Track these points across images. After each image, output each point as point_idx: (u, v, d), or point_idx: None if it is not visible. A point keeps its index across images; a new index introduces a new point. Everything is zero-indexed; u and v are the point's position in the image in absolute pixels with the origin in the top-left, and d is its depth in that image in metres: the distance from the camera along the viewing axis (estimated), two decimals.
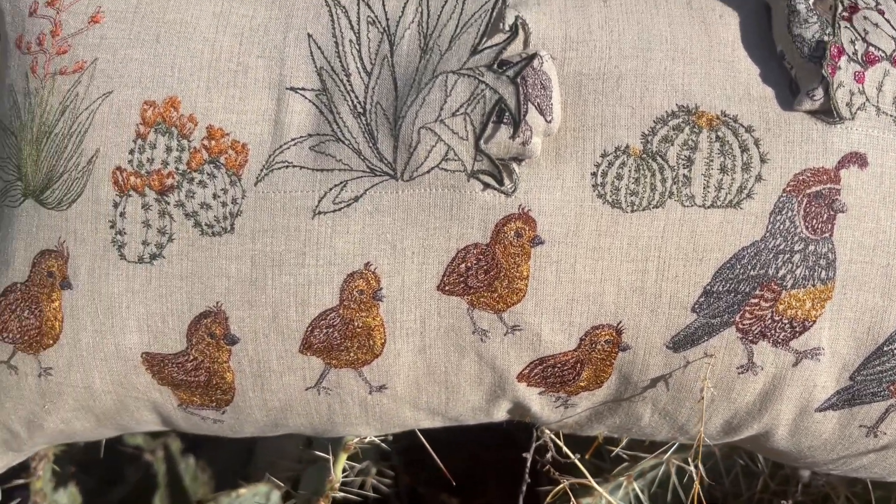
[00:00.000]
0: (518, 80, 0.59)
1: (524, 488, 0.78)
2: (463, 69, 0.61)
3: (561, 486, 0.78)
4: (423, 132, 0.61)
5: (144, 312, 0.64)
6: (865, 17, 0.64)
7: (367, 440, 0.80)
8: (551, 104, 0.60)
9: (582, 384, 0.65)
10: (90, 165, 0.64)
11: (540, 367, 0.64)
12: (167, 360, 0.65)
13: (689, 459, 0.87)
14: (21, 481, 1.06)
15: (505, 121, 0.60)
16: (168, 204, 0.63)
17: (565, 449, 0.79)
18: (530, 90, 0.60)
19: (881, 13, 0.65)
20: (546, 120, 0.60)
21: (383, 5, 0.65)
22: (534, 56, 0.60)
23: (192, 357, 0.64)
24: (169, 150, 0.64)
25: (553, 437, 0.80)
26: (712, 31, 0.64)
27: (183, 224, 0.63)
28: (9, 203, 0.67)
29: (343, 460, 0.76)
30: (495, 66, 0.60)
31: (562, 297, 0.62)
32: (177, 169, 0.63)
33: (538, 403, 0.67)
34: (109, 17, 0.66)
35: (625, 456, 0.89)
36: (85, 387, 0.66)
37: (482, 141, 0.60)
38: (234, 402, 0.66)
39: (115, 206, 0.64)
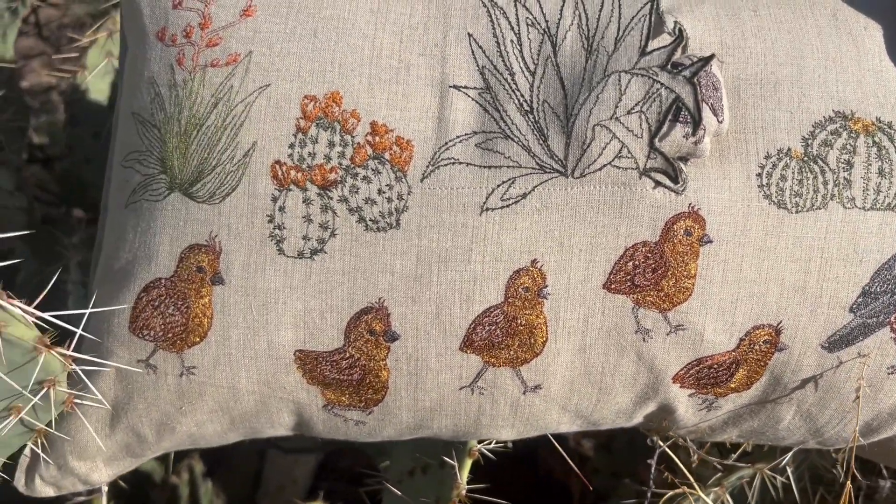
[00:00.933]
0: (695, 79, 0.60)
1: (649, 495, 0.78)
2: (635, 69, 0.62)
3: (679, 490, 0.78)
4: (597, 129, 0.61)
5: (302, 308, 0.62)
6: None
7: (479, 447, 0.79)
8: (722, 105, 0.61)
9: (732, 385, 0.66)
10: (246, 158, 0.63)
11: (696, 368, 0.65)
12: (321, 358, 0.63)
13: (787, 470, 0.88)
14: (83, 499, 1.02)
15: (681, 119, 0.61)
16: (331, 199, 0.62)
17: (674, 457, 0.80)
18: (704, 91, 0.61)
19: None
20: (718, 120, 0.61)
21: (540, 8, 0.65)
22: (710, 58, 0.61)
23: (348, 354, 0.63)
24: (331, 144, 0.63)
25: (664, 444, 0.81)
26: (859, 42, 0.66)
27: (346, 219, 0.62)
28: (149, 197, 0.65)
29: (468, 466, 0.75)
30: (668, 67, 0.61)
31: (727, 297, 0.63)
32: (340, 164, 0.63)
33: (685, 406, 0.68)
34: (262, 11, 0.65)
35: (718, 466, 0.90)
36: (229, 386, 0.64)
37: (657, 139, 0.61)
38: (384, 402, 0.65)
39: (274, 200, 0.62)
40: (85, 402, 0.64)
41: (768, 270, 0.63)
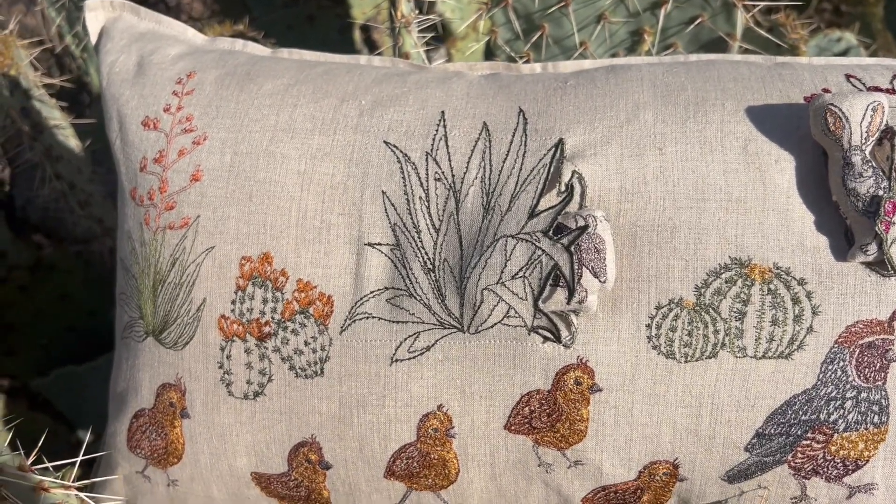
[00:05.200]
0: (572, 247, 0.64)
1: None
2: (521, 233, 0.66)
3: None
4: (486, 293, 0.66)
5: (251, 440, 0.73)
6: None
7: None
8: (605, 266, 0.64)
9: None
10: (199, 313, 0.73)
11: (602, 493, 0.70)
12: (273, 479, 0.74)
13: None
14: None
15: (561, 284, 0.64)
16: (267, 349, 0.72)
17: None
18: (584, 255, 0.64)
19: None
20: (600, 281, 0.64)
21: (449, 161, 0.70)
22: (585, 228, 0.64)
23: (293, 478, 0.73)
24: (265, 301, 0.72)
25: None
26: (767, 178, 0.66)
27: (280, 367, 0.71)
28: (133, 337, 0.77)
29: None
30: (551, 233, 0.65)
31: (620, 438, 0.67)
32: (272, 318, 0.71)
33: None
34: (208, 176, 0.74)
35: None
36: (206, 496, 0.77)
37: (540, 301, 0.65)
38: None
39: (222, 349, 0.73)
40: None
41: (659, 415, 0.66)
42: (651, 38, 0.99)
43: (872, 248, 0.62)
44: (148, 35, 0.83)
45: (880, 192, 0.62)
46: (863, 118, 0.63)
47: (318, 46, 0.99)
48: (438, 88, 0.75)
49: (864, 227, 0.63)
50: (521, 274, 0.65)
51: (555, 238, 0.64)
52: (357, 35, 1.56)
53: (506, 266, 0.66)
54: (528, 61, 1.07)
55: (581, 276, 0.64)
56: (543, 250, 0.65)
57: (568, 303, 0.64)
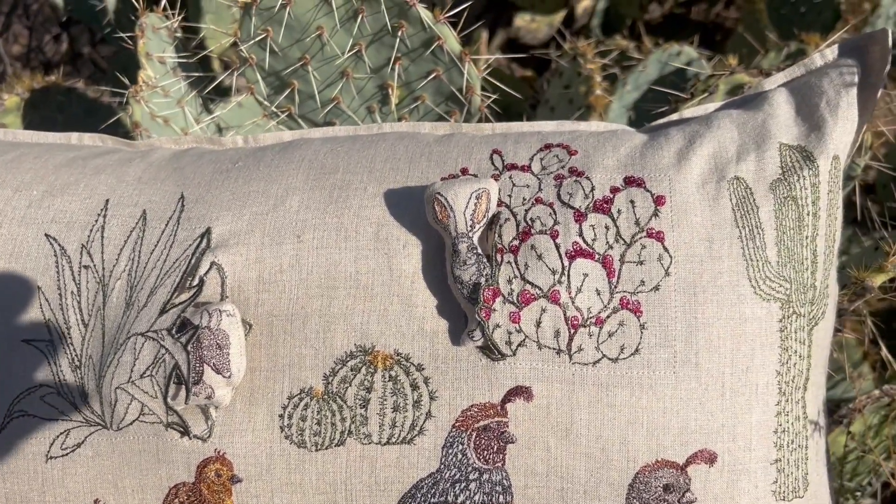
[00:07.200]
0: (191, 346, 0.64)
1: None
2: (149, 331, 0.67)
3: None
4: (119, 392, 0.67)
5: None
6: (533, 247, 0.65)
7: None
8: (228, 362, 0.65)
9: None
10: None
11: None
12: None
13: None
14: None
15: (183, 382, 0.65)
16: None
17: None
18: (206, 352, 0.65)
19: (554, 236, 0.65)
20: (224, 376, 0.65)
21: (102, 254, 0.70)
22: (198, 326, 0.64)
23: None
24: None
25: None
26: (394, 264, 0.67)
27: None
28: None
29: None
30: (174, 331, 0.66)
31: None
32: None
33: None
34: None
35: None
36: None
37: (168, 399, 0.66)
38: None
39: None
40: None
41: (299, 503, 0.67)
42: (395, 93, 1.00)
43: (477, 334, 0.64)
44: None
45: (482, 280, 0.63)
46: (466, 206, 0.64)
47: None
48: (113, 174, 0.75)
49: (471, 314, 0.64)
50: (148, 372, 0.66)
51: (176, 336, 0.65)
52: (217, 65, 1.55)
53: (135, 365, 0.67)
54: (290, 114, 1.08)
55: (203, 373, 0.65)
56: (166, 349, 0.65)
57: (186, 401, 0.65)
